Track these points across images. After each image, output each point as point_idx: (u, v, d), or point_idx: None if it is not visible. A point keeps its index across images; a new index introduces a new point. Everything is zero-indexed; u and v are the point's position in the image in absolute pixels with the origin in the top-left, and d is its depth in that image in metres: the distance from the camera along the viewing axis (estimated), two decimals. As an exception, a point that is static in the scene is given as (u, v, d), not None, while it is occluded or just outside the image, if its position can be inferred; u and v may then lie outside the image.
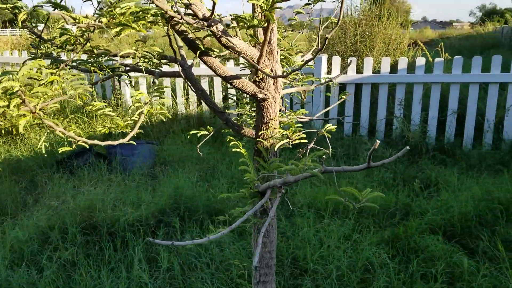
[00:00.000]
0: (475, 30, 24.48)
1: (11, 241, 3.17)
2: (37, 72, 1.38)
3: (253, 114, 2.41)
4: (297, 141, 1.47)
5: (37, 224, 3.40)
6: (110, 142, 1.76)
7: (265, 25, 1.59)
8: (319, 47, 1.35)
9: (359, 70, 6.27)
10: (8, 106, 1.30)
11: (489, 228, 3.22)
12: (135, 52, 1.77)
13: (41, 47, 2.15)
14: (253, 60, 1.79)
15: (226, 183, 4.17)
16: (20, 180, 4.50)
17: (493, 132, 5.52)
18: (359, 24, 6.91)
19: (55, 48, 2.12)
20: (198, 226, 3.44)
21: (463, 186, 3.98)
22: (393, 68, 6.48)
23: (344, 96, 2.40)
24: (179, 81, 6.66)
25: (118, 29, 1.42)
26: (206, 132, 2.17)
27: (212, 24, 1.61)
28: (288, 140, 1.46)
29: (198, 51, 1.79)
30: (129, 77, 2.10)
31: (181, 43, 2.23)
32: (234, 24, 1.82)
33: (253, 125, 2.37)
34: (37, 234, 3.30)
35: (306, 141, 1.48)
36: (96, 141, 1.69)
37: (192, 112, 6.24)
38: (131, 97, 6.77)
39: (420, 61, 5.68)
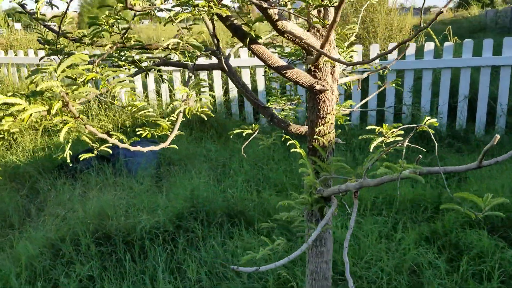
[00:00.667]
0: (461, 14, 24.47)
1: (21, 256, 2.90)
2: (73, 68, 1.13)
3: (287, 107, 2.19)
4: (393, 139, 1.25)
5: (46, 236, 3.14)
6: (152, 148, 1.52)
7: (335, 4, 1.37)
8: (424, 25, 1.13)
9: (363, 58, 6.07)
10: (49, 111, 1.06)
11: (530, 218, 3.05)
12: (179, 42, 1.53)
13: (59, 42, 1.90)
14: (310, 47, 1.57)
15: (241, 181, 3.93)
16: (20, 187, 4.21)
17: (506, 116, 5.37)
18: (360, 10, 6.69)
19: (72, 43, 1.87)
20: (219, 230, 3.20)
21: (490, 175, 3.81)
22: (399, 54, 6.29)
23: (392, 84, 2.19)
24: (177, 74, 6.38)
25: (173, 13, 1.18)
26: (251, 131, 1.94)
27: (273, 4, 1.37)
28: (383, 138, 1.25)
29: (248, 39, 1.55)
30: (159, 71, 1.86)
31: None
32: (289, 5, 1.59)
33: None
34: (48, 247, 3.03)
35: (401, 138, 1.27)
36: (138, 147, 1.46)
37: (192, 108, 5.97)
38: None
39: (429, 46, 5.49)
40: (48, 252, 2.99)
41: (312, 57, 1.60)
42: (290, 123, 1.87)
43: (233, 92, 6.12)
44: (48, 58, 1.89)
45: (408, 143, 1.20)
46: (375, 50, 5.59)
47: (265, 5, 1.30)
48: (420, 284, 2.48)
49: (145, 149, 1.50)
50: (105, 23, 1.44)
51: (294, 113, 2.09)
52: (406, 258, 2.61)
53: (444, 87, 5.44)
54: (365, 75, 1.94)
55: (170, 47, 1.78)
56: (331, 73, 1.65)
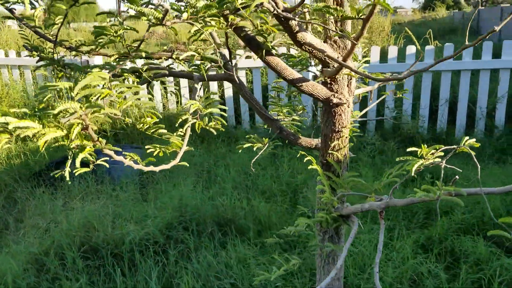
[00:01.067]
0: (429, 16, 24.93)
1: (6, 273, 2.73)
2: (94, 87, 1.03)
3: (293, 118, 2.11)
4: (432, 160, 1.20)
5: (28, 250, 2.97)
6: (164, 166, 1.43)
7: (363, 16, 1.30)
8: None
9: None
10: (67, 136, 0.95)
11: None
12: (194, 54, 1.44)
13: (44, 50, 1.78)
14: (326, 59, 1.50)
15: (229, 188, 3.84)
16: (-5, 197, 4.00)
17: (485, 119, 5.45)
18: (340, 12, 6.69)
19: (68, 51, 1.76)
20: (211, 240, 3.11)
21: (476, 178, 3.83)
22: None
23: (400, 94, 2.16)
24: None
25: (200, 25, 1.09)
26: (260, 145, 1.86)
27: (297, 16, 1.30)
28: (422, 161, 1.19)
29: (263, 51, 1.47)
30: (163, 83, 1.77)
31: (218, 40, 1.91)
32: (307, 17, 1.52)
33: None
34: (31, 263, 2.88)
35: (440, 159, 1.22)
36: (152, 167, 1.36)
37: (173, 111, 5.82)
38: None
39: (410, 49, 5.54)
40: (32, 268, 2.84)
41: (329, 69, 1.54)
42: (300, 136, 1.80)
43: (215, 96, 6.00)
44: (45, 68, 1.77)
45: (446, 164, 1.14)
46: (358, 53, 5.57)
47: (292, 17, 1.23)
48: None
49: (157, 169, 1.41)
50: (113, 33, 1.34)
51: (297, 123, 2.01)
52: (406, 268, 2.58)
53: (425, 90, 5.48)
54: (376, 86, 1.89)
55: (176, 57, 1.69)
56: (347, 86, 1.59)
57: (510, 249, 2.86)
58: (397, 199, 1.32)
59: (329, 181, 1.63)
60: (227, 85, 5.91)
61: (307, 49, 1.46)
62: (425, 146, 1.18)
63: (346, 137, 1.65)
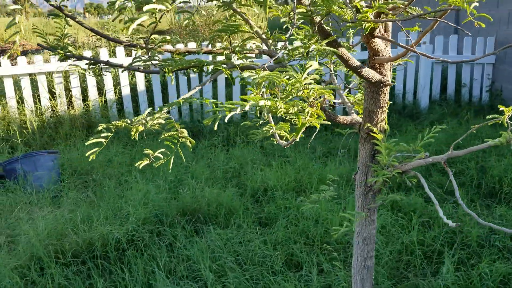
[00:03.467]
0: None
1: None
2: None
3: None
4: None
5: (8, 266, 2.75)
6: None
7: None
8: None
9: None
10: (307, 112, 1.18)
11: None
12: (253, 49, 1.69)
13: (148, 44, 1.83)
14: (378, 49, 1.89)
15: (170, 181, 3.98)
16: None
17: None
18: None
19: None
20: (185, 230, 3.24)
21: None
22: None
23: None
24: (42, 78, 5.74)
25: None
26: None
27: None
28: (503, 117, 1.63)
29: (338, 43, 1.79)
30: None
31: (262, 35, 2.14)
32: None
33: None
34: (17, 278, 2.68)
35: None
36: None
37: (76, 112, 5.51)
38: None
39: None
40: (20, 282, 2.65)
41: (380, 57, 1.92)
42: (338, 115, 2.15)
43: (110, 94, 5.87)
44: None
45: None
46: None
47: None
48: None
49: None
50: (248, 31, 1.52)
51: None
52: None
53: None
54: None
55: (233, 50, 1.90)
56: (389, 70, 2.00)
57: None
58: (457, 151, 1.77)
59: (376, 147, 2.03)
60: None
61: (369, 41, 1.84)
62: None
63: (386, 111, 2.07)
